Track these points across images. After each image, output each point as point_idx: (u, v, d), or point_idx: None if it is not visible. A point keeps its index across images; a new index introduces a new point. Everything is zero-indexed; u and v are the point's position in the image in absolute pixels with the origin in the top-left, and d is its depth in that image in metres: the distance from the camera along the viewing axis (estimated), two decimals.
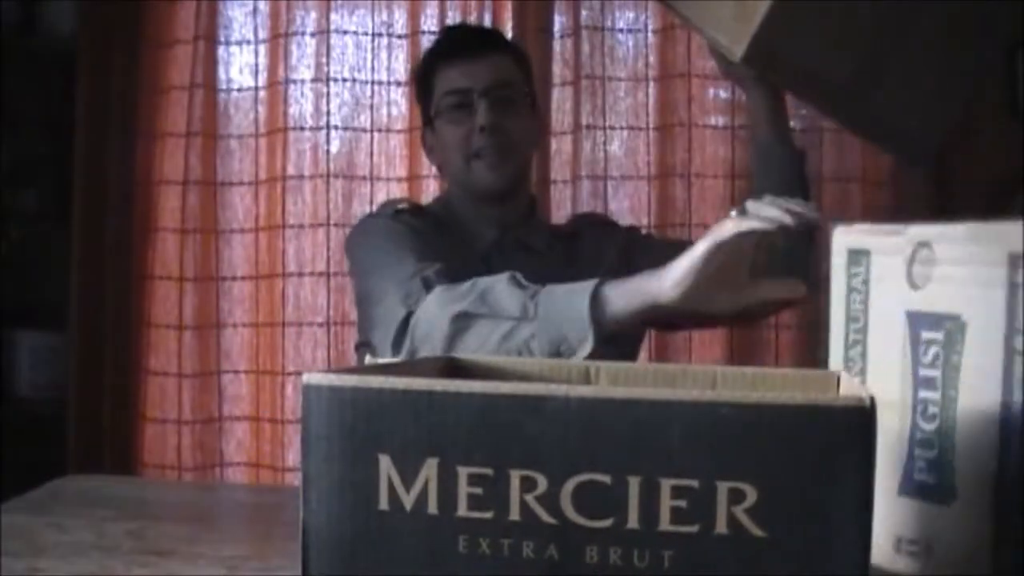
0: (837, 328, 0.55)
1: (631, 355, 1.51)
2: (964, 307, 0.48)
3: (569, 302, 1.03)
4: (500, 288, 1.10)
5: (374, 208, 2.16)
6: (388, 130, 2.30)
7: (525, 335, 1.03)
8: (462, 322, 1.08)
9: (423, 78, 1.45)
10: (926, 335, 0.50)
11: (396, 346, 1.17)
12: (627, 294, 1.01)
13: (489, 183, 1.38)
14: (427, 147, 1.50)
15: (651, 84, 2.33)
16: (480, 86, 1.36)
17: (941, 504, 0.50)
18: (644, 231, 1.53)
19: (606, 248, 1.44)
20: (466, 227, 1.43)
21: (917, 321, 0.50)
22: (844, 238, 0.55)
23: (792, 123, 2.35)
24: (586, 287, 1.03)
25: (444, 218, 1.43)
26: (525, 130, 1.41)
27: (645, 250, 1.44)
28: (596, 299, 1.02)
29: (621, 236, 1.47)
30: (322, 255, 2.25)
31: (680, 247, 1.33)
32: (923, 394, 0.50)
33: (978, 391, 0.47)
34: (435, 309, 1.11)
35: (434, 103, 1.41)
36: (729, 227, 0.96)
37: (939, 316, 0.49)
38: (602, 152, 2.32)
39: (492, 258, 1.39)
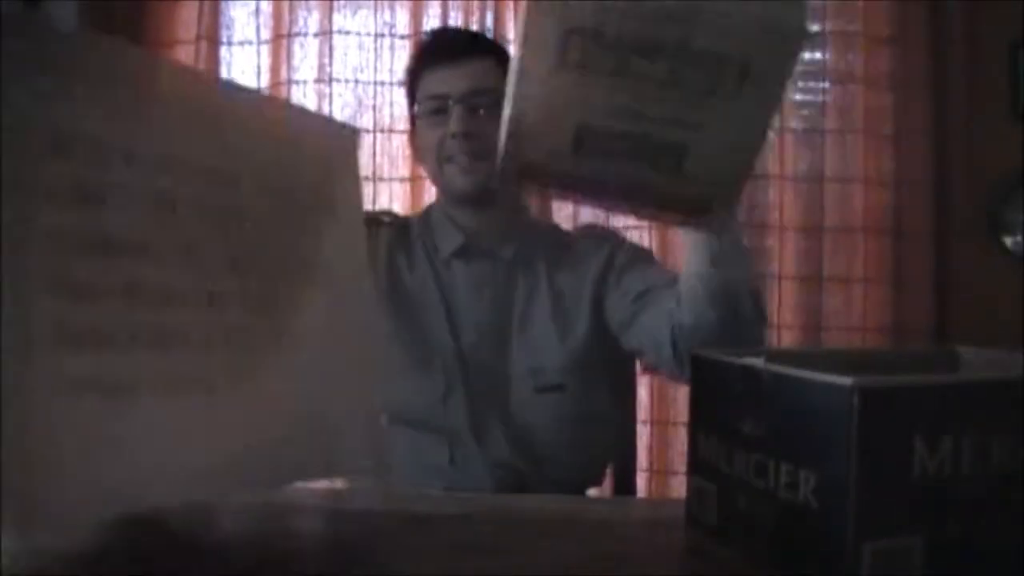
0: None
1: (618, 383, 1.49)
2: None
3: None
4: None
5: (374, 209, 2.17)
6: (391, 131, 2.31)
7: None
8: None
9: (410, 81, 1.47)
10: None
11: None
12: None
13: (459, 187, 1.39)
14: (413, 148, 1.53)
15: None
16: (456, 92, 1.37)
17: None
18: (630, 251, 1.44)
19: (583, 269, 1.42)
20: (437, 231, 1.45)
21: None
22: None
23: (793, 123, 2.37)
24: None
25: (419, 225, 1.46)
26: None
27: (617, 276, 1.41)
28: None
29: (604, 256, 1.44)
30: None
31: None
32: None
33: None
34: None
35: (417, 105, 1.43)
36: None
37: None
38: None
39: (452, 263, 1.41)
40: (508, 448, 1.32)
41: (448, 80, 1.38)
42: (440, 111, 1.38)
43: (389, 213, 1.58)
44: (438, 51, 1.43)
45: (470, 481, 1.31)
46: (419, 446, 1.34)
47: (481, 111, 1.37)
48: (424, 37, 1.69)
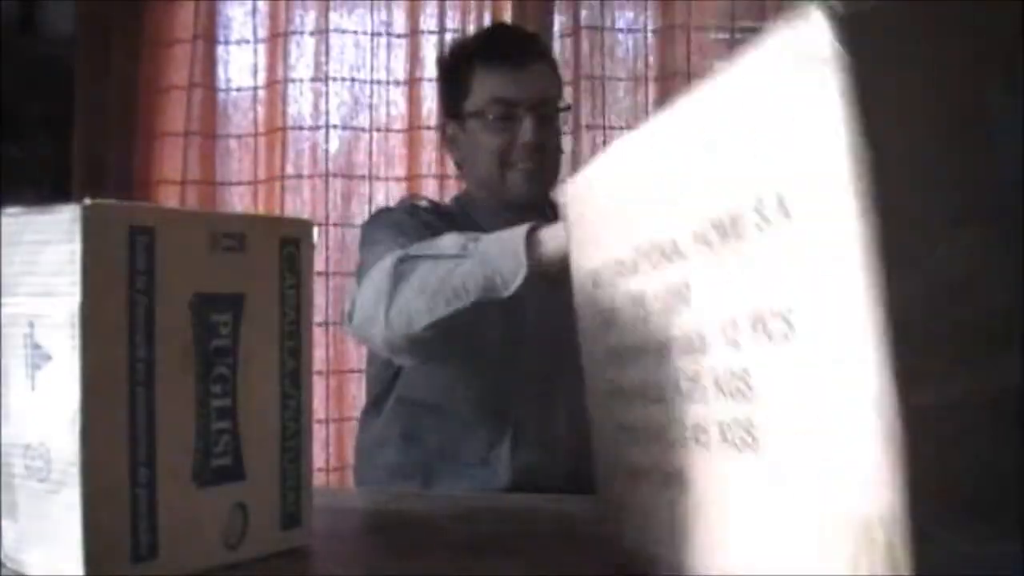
0: None
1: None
2: None
3: (505, 239, 1.05)
4: (445, 237, 1.12)
5: (374, 208, 2.17)
6: (387, 129, 2.30)
7: (463, 271, 1.05)
8: (406, 264, 1.11)
9: (459, 72, 1.40)
10: None
11: (352, 300, 1.20)
12: (559, 235, 0.99)
13: (523, 194, 1.36)
14: (449, 139, 1.46)
15: (650, 84, 2.34)
16: (528, 100, 1.33)
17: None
18: None
19: None
20: (482, 231, 1.42)
21: None
22: None
23: None
24: (523, 227, 1.04)
25: (461, 219, 1.41)
26: (560, 143, 1.41)
27: None
28: (531, 236, 1.02)
29: None
30: (320, 255, 2.25)
31: None
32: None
33: None
34: (387, 259, 1.14)
35: (472, 103, 1.37)
36: None
37: None
38: (602, 152, 2.33)
39: None
40: (547, 456, 1.29)
41: (517, 85, 1.34)
42: (506, 116, 1.34)
43: (424, 198, 1.54)
44: (502, 51, 1.37)
45: (487, 483, 1.28)
46: (454, 437, 1.31)
47: (549, 121, 1.35)
48: (481, 31, 1.57)
